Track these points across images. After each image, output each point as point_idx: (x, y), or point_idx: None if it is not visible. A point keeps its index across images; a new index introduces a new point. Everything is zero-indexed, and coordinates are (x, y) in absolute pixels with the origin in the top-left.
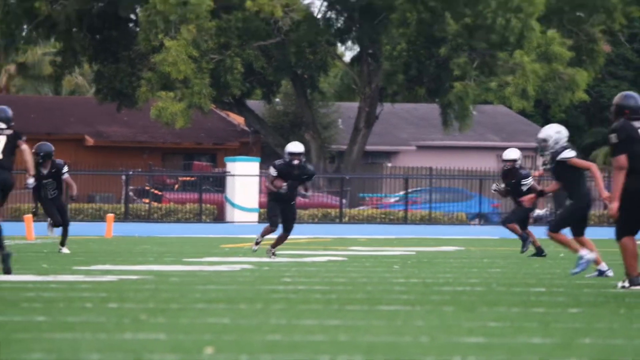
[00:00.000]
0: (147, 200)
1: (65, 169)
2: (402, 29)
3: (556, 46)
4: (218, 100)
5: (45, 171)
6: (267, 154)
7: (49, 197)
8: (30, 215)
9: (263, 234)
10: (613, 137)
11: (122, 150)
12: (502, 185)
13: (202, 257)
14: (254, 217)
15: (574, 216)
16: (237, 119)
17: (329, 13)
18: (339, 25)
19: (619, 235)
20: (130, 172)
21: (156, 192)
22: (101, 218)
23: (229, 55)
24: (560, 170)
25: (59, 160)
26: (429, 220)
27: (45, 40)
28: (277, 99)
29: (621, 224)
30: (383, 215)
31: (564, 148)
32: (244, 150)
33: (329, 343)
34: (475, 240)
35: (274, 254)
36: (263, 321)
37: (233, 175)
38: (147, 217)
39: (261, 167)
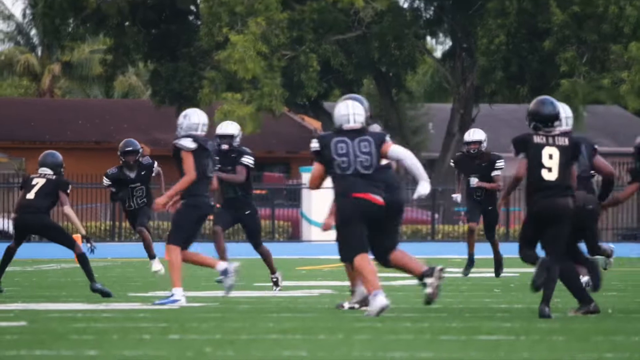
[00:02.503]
0: (210, 217)
1: (157, 166)
2: (501, 19)
3: None
4: (291, 103)
5: (132, 174)
6: None
7: (135, 208)
8: (78, 236)
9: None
10: None
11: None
12: (458, 193)
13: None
14: (334, 235)
15: None
16: (313, 124)
17: (417, 2)
18: (428, 16)
19: None
20: None
21: (218, 205)
22: (160, 238)
23: (303, 52)
24: None
25: (146, 159)
26: None
27: (93, 36)
28: None
29: None
30: (481, 232)
31: None
32: None
33: None
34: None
35: (275, 283)
36: (345, 354)
37: (309, 188)
38: (211, 236)
39: None
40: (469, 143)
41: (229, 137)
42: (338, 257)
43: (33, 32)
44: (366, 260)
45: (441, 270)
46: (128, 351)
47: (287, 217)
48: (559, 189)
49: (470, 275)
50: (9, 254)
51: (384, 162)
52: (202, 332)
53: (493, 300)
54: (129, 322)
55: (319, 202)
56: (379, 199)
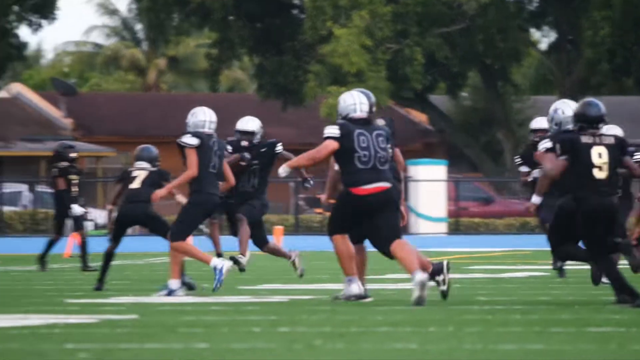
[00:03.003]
0: (319, 211)
1: (280, 145)
2: (606, 11)
3: None
4: (396, 96)
5: (248, 155)
6: (454, 156)
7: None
8: None
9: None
10: None
11: None
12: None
13: (383, 274)
14: (442, 227)
15: None
16: (419, 117)
17: None
18: (532, 8)
19: None
20: (299, 179)
21: (331, 201)
22: (268, 230)
23: (407, 45)
24: None
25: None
26: None
27: (198, 31)
28: (464, 93)
29: None
30: None
31: None
32: (427, 151)
33: None
34: None
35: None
36: (455, 346)
37: (416, 181)
38: (320, 230)
39: (448, 171)
40: (535, 131)
41: (250, 134)
42: (447, 249)
43: (138, 26)
44: (345, 243)
45: (440, 269)
46: (237, 344)
47: None
48: (610, 187)
49: (579, 267)
50: (109, 256)
51: None
52: (311, 325)
53: (602, 293)
54: (239, 315)
55: (426, 195)
56: (384, 185)
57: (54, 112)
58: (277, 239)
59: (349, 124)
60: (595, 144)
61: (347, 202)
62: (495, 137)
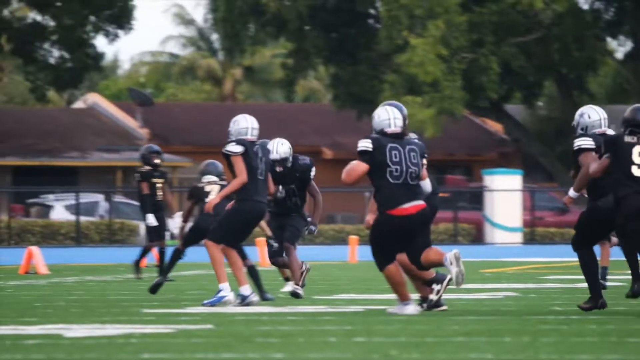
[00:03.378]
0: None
1: (314, 170)
2: None
3: None
4: (472, 105)
5: (282, 192)
6: (530, 166)
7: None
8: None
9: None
10: None
11: None
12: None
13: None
14: (518, 237)
15: None
16: (495, 126)
17: (597, 3)
18: (608, 17)
19: None
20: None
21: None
22: (343, 240)
23: (482, 54)
24: None
25: (302, 157)
26: None
27: (274, 41)
28: (540, 103)
29: None
30: None
31: None
32: (503, 161)
33: None
34: None
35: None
36: (531, 356)
37: (492, 191)
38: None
39: (524, 181)
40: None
41: (283, 160)
42: (522, 259)
43: (214, 36)
44: (398, 272)
45: (449, 281)
46: (314, 354)
47: (470, 219)
48: None
49: None
50: (178, 255)
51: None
52: (387, 335)
53: None
54: (314, 324)
55: (502, 204)
56: (420, 203)
57: (130, 123)
58: (352, 248)
59: (382, 138)
60: (637, 143)
61: (385, 224)
62: (571, 147)
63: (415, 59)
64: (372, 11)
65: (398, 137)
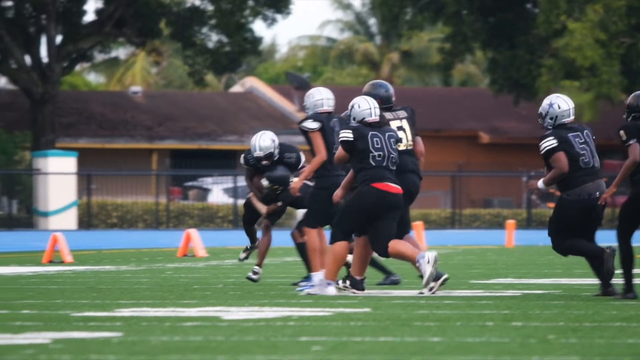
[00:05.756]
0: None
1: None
2: None
3: None
4: (629, 90)
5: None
6: None
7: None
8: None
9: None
10: None
11: (520, 148)
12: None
13: None
14: None
15: None
16: None
17: None
18: None
19: None
20: (532, 173)
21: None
22: (500, 225)
23: None
24: None
25: (289, 154)
26: None
27: (432, 25)
28: None
29: None
30: None
31: None
32: None
33: None
34: None
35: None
36: None
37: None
38: None
39: None
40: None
41: (268, 156)
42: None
43: (372, 21)
44: (345, 252)
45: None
46: (471, 338)
47: None
48: None
49: None
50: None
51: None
52: (544, 319)
53: None
54: (471, 309)
55: None
56: (398, 187)
57: (287, 106)
58: (509, 233)
59: (363, 127)
60: None
61: (369, 195)
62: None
63: (573, 44)
64: None
65: (378, 125)
